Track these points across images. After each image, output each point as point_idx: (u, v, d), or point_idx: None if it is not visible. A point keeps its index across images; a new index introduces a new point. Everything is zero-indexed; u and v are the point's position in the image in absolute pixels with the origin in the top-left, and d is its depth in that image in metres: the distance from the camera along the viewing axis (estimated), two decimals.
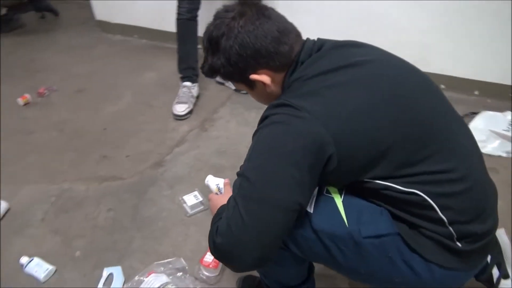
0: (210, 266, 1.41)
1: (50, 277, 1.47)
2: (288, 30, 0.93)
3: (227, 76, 0.98)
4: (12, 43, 3.28)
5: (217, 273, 1.43)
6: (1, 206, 1.71)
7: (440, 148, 0.86)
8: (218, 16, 0.94)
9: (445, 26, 2.20)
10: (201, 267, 1.43)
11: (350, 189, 0.93)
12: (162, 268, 1.42)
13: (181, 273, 1.42)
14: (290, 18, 0.97)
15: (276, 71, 0.94)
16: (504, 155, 1.84)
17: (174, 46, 2.37)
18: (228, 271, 1.45)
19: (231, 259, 0.84)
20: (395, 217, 0.89)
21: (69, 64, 2.94)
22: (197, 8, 2.24)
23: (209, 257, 1.43)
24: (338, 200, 0.91)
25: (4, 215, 1.71)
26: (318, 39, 0.99)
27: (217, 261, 1.41)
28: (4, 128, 2.28)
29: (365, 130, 0.83)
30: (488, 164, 0.98)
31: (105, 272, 1.45)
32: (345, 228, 0.88)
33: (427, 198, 0.84)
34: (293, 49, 0.93)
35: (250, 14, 0.91)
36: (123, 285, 1.41)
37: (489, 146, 1.86)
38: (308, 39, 0.98)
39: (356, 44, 0.98)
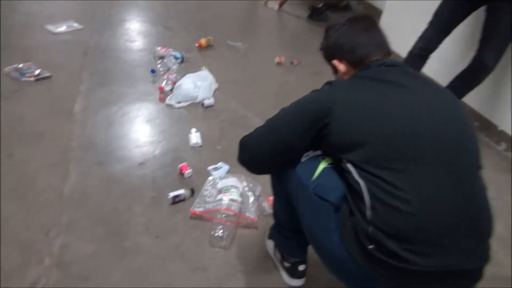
0: (271, 204, 1.78)
1: None
2: (373, 43, 1.22)
3: (324, 56, 1.32)
4: (311, 26, 4.23)
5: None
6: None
7: (413, 172, 0.99)
8: (344, 16, 1.30)
9: None
10: (266, 202, 1.82)
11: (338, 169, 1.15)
12: (243, 176, 1.88)
13: (251, 194, 1.84)
14: None
15: (352, 65, 1.24)
16: None
17: None
18: None
19: (238, 151, 1.27)
20: (346, 200, 1.07)
21: None
22: (431, 49, 2.43)
23: None
24: (322, 165, 1.15)
25: None
26: (400, 61, 1.21)
27: None
28: (250, 72, 3.18)
29: (359, 125, 1.05)
30: None
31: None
32: (309, 180, 1.13)
33: (364, 192, 0.99)
34: (369, 57, 1.20)
35: (358, 22, 1.25)
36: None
37: None
38: (392, 58, 1.22)
39: (418, 77, 1.15)
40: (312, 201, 1.11)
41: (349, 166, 1.05)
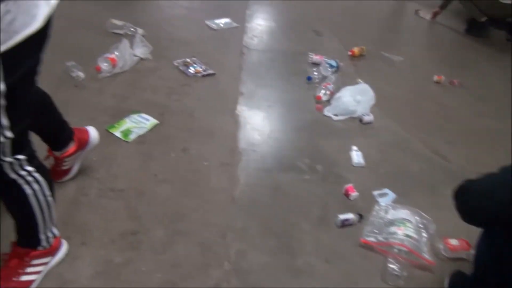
0: (449, 247, 1.64)
1: None
2: None
3: None
4: (470, 41, 3.85)
5: (450, 256, 1.63)
6: None
7: None
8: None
9: None
10: (442, 244, 1.67)
11: None
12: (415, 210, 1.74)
13: (424, 231, 1.70)
14: None
15: None
16: None
17: None
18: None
19: (459, 198, 1.18)
20: None
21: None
22: None
23: (454, 241, 1.65)
24: None
25: None
26: None
27: (456, 247, 1.62)
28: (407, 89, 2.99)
29: None
30: None
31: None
32: None
33: None
34: None
35: None
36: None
37: None
38: None
39: None
40: None
41: None
